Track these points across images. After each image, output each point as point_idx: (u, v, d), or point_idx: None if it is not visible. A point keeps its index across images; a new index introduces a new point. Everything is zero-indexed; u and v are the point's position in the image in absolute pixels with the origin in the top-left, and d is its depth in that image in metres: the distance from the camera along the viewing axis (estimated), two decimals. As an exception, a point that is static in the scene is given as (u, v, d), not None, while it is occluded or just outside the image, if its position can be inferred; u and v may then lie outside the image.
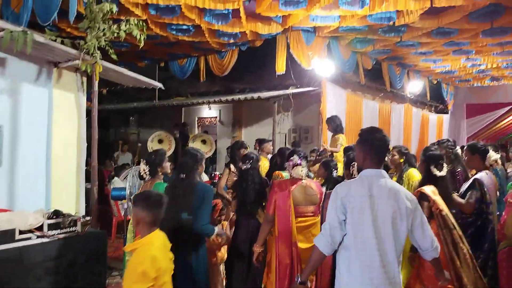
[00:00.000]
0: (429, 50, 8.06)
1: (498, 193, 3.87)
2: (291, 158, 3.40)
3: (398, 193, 2.14)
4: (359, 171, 2.37)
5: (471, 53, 8.25)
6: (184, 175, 3.03)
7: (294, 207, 3.30)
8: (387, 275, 2.09)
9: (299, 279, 2.30)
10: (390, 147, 4.76)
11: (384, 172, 2.21)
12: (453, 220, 3.11)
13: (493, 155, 3.90)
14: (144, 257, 2.25)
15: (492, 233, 3.41)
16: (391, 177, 4.23)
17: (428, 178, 3.28)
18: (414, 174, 4.23)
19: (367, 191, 2.14)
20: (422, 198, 3.15)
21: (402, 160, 4.49)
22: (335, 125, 6.01)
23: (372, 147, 2.21)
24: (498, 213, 3.61)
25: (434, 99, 12.43)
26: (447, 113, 13.20)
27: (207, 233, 3.05)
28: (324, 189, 3.56)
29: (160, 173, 3.55)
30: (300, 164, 3.34)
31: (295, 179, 3.40)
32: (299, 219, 3.32)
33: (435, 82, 11.77)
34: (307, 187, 3.39)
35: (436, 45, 7.61)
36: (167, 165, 3.61)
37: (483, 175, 3.53)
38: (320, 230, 2.29)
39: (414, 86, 10.47)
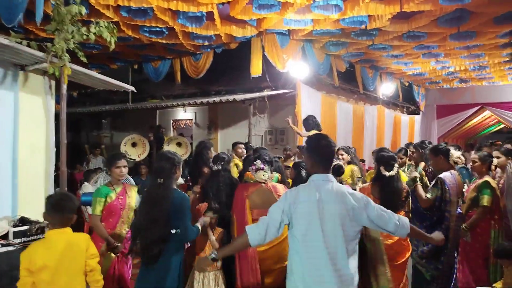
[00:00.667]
0: (401, 53, 8.27)
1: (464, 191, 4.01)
2: (255, 162, 3.49)
3: (345, 195, 2.21)
4: (307, 176, 2.43)
5: (440, 56, 8.53)
6: (162, 180, 2.88)
7: (252, 210, 3.38)
8: (340, 277, 2.15)
9: (213, 254, 2.36)
10: (367, 146, 5.04)
11: (331, 176, 2.29)
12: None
13: (455, 153, 4.07)
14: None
15: (447, 230, 3.56)
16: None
17: (377, 177, 3.44)
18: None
19: (315, 195, 2.20)
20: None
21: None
22: (308, 125, 6.10)
23: (318, 154, 2.31)
24: (460, 211, 3.74)
25: (406, 101, 12.77)
26: (419, 114, 13.58)
27: (193, 238, 3.04)
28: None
29: (112, 177, 3.48)
30: (262, 169, 3.44)
31: (256, 183, 3.48)
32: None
33: (406, 84, 12.10)
34: (266, 191, 3.44)
35: (407, 48, 7.82)
36: (117, 171, 3.42)
37: (447, 175, 3.69)
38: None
39: (387, 88, 10.72)
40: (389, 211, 2.29)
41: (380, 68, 9.98)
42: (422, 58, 8.71)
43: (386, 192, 3.31)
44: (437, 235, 2.55)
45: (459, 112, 13.16)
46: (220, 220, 3.64)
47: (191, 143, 9.26)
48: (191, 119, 10.51)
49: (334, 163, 3.53)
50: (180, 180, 6.35)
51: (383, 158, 3.40)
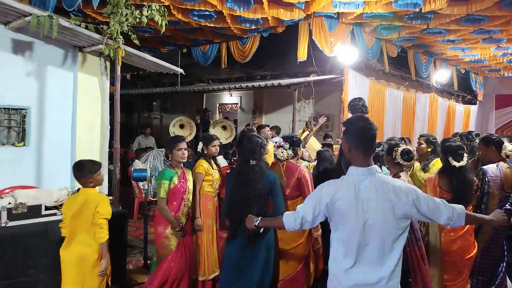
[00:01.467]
0: (458, 38, 7.79)
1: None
2: (276, 140, 3.50)
3: (388, 191, 1.98)
4: (347, 164, 2.24)
5: (502, 42, 7.92)
6: (255, 162, 3.04)
7: None
8: (369, 278, 1.99)
9: (257, 222, 2.39)
10: (417, 136, 4.73)
11: (373, 168, 2.03)
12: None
13: (509, 146, 3.81)
14: None
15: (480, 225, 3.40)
16: (412, 166, 4.23)
17: (445, 169, 3.26)
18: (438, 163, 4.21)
19: (353, 194, 2.00)
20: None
21: (429, 150, 4.44)
22: (353, 107, 5.79)
23: (356, 138, 2.04)
24: (508, 207, 3.52)
25: (462, 89, 12.05)
26: (475, 103, 12.78)
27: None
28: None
29: (173, 160, 3.49)
30: (282, 146, 3.44)
31: (276, 161, 3.55)
32: None
33: (463, 71, 11.39)
34: (279, 169, 3.46)
35: (464, 33, 7.34)
36: (179, 153, 3.46)
37: (491, 166, 3.52)
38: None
39: (441, 75, 10.16)
40: (441, 201, 2.03)
41: (435, 54, 9.46)
42: (481, 44, 8.14)
43: (458, 184, 3.16)
44: (497, 215, 2.17)
45: (521, 102, 12.25)
46: None
47: (236, 127, 9.42)
48: (237, 103, 10.64)
49: (404, 147, 3.36)
50: (224, 162, 6.52)
51: (450, 148, 3.24)
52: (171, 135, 7.83)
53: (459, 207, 2.03)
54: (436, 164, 4.23)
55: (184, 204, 3.49)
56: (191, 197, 3.56)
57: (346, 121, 2.19)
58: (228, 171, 3.52)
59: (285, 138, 3.50)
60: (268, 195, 3.04)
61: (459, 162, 3.17)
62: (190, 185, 3.56)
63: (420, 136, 4.77)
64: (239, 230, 2.98)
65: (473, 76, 11.90)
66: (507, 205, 3.47)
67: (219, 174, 3.95)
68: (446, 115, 10.91)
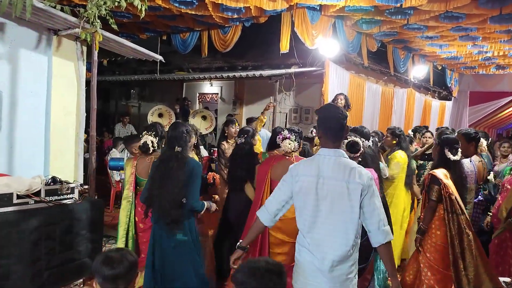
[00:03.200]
0: (436, 35, 7.93)
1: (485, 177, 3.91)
2: (282, 132, 3.44)
3: (350, 171, 2.06)
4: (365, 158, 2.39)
5: (478, 40, 8.13)
6: (180, 149, 2.99)
7: (272, 181, 3.33)
8: (323, 260, 2.06)
9: (240, 244, 2.33)
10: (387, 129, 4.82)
11: (340, 151, 2.13)
12: (462, 205, 3.12)
13: (484, 142, 3.94)
14: None
15: None
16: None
17: (441, 162, 3.25)
18: (397, 156, 4.40)
19: (315, 171, 2.10)
20: (433, 181, 3.18)
21: (394, 142, 4.54)
22: (347, 102, 6.02)
23: (327, 125, 2.16)
24: (480, 198, 3.66)
25: (438, 85, 12.33)
26: (450, 99, 13.12)
27: (197, 209, 3.09)
28: None
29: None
30: (289, 138, 3.36)
31: (282, 156, 3.46)
32: None
33: (439, 67, 11.65)
34: (288, 162, 3.36)
35: (443, 30, 7.48)
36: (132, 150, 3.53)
37: (465, 161, 3.59)
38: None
39: (419, 71, 10.36)
40: (382, 211, 2.08)
41: (413, 49, 9.62)
42: (458, 41, 8.33)
43: (458, 177, 3.16)
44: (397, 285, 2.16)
45: (494, 100, 12.62)
46: (236, 186, 3.73)
47: (216, 118, 9.34)
48: (217, 93, 10.55)
49: (350, 139, 3.35)
50: (205, 152, 6.46)
51: (448, 140, 3.21)
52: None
53: (388, 230, 2.09)
54: (393, 155, 4.36)
55: None
56: None
57: (318, 109, 2.28)
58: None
59: (289, 130, 3.44)
60: (186, 183, 2.93)
61: (454, 155, 3.16)
62: None
63: (387, 129, 4.85)
64: (157, 219, 2.97)
65: (449, 72, 12.19)
66: (479, 196, 3.59)
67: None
68: (422, 110, 11.17)
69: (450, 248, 3.04)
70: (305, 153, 3.89)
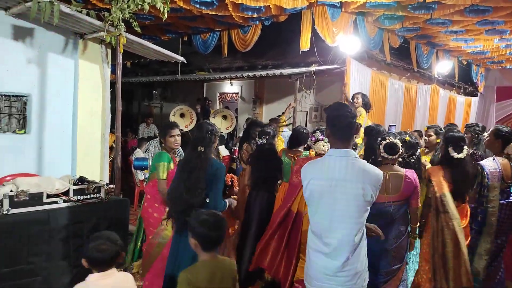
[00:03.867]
0: (461, 29, 7.72)
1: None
2: (314, 133, 3.44)
3: (363, 173, 2.06)
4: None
5: (506, 33, 7.86)
6: (203, 149, 2.96)
7: None
8: (337, 262, 2.05)
9: None
10: (425, 127, 4.68)
11: (350, 151, 2.09)
12: (446, 204, 3.15)
13: None
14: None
15: (483, 213, 3.43)
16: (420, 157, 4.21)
17: (444, 159, 3.24)
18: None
19: (328, 173, 2.06)
20: (429, 179, 3.26)
21: (438, 141, 4.41)
22: (363, 101, 5.88)
23: (334, 124, 2.11)
24: (504, 201, 3.53)
25: (463, 81, 12.00)
26: (476, 95, 12.74)
27: (220, 209, 3.08)
28: None
29: (166, 147, 3.50)
30: (322, 140, 3.37)
31: (315, 157, 3.39)
32: None
33: (465, 63, 11.32)
34: None
35: (468, 24, 7.27)
36: (171, 140, 3.50)
37: (488, 160, 3.49)
38: None
39: (443, 67, 10.10)
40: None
41: (437, 45, 9.39)
42: (484, 35, 8.07)
43: (457, 176, 3.15)
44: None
45: (523, 95, 12.21)
46: (258, 187, 3.73)
47: (236, 117, 9.39)
48: (237, 93, 10.59)
49: (388, 140, 3.35)
50: (225, 152, 6.51)
51: (452, 138, 3.19)
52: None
53: None
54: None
55: None
56: None
57: (327, 108, 2.24)
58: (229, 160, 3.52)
59: (321, 131, 3.44)
60: (209, 183, 2.88)
61: (458, 154, 3.13)
62: None
63: (428, 128, 4.67)
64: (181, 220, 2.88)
65: (475, 68, 11.83)
66: (510, 197, 3.47)
67: None
68: (447, 106, 10.88)
69: (431, 241, 3.23)
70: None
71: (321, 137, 3.38)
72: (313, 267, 2.14)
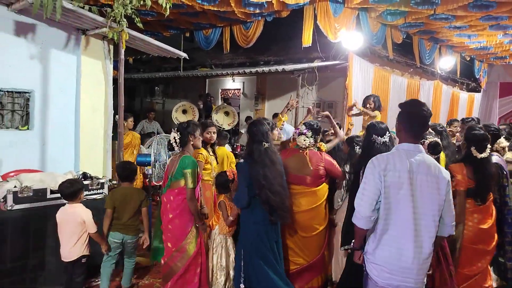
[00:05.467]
0: (464, 25, 7.66)
1: None
2: (299, 127, 3.45)
3: (436, 167, 2.15)
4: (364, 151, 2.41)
5: (509, 29, 7.80)
6: (268, 144, 3.04)
7: (287, 174, 3.24)
8: (419, 254, 2.10)
9: (351, 246, 2.40)
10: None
11: (421, 147, 2.19)
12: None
13: (503, 142, 3.70)
14: None
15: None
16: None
17: (467, 158, 3.15)
18: None
19: (406, 165, 2.12)
20: (452, 174, 3.16)
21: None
22: (377, 104, 5.68)
23: (411, 121, 2.18)
24: None
25: (465, 77, 11.94)
26: (479, 91, 12.68)
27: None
28: (347, 166, 3.59)
29: (191, 144, 3.20)
30: (305, 134, 3.37)
31: (295, 149, 3.46)
32: (291, 185, 3.31)
33: (468, 58, 11.26)
34: (301, 156, 3.39)
35: (472, 19, 7.22)
36: (200, 138, 3.28)
37: (498, 159, 3.42)
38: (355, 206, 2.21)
39: (446, 63, 10.05)
40: (450, 210, 2.20)
41: (440, 40, 9.34)
42: (488, 30, 8.02)
43: (479, 175, 3.08)
44: None
45: (526, 91, 12.14)
46: None
47: (238, 113, 9.38)
48: (239, 89, 10.58)
49: (431, 140, 3.29)
50: (228, 148, 6.50)
51: (475, 137, 3.11)
52: (174, 121, 7.82)
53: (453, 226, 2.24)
54: None
55: (201, 195, 3.40)
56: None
57: (402, 104, 2.29)
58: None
59: (307, 126, 3.43)
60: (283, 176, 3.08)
61: (481, 153, 3.06)
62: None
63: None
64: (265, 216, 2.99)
65: (477, 63, 11.77)
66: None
67: (216, 162, 3.94)
68: (450, 102, 10.84)
69: None
70: (335, 149, 3.87)
71: (304, 131, 3.40)
72: (385, 260, 2.16)
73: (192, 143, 3.18)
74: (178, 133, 3.15)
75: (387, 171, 2.11)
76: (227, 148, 5.62)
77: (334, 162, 3.45)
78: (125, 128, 5.30)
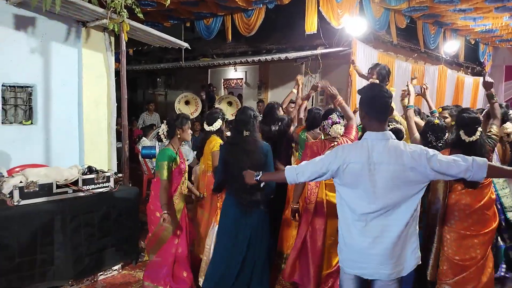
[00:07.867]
0: (469, 7, 7.52)
1: None
2: (330, 116, 3.21)
3: (402, 154, 2.01)
4: (363, 130, 2.30)
5: (516, 10, 7.67)
6: (249, 132, 3.01)
7: None
8: (387, 244, 2.05)
9: (258, 176, 2.47)
10: (439, 108, 4.43)
11: (388, 133, 2.07)
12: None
13: (509, 127, 3.55)
14: None
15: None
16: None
17: (456, 142, 3.02)
18: None
19: (366, 156, 2.04)
20: None
21: (453, 123, 4.21)
22: (380, 74, 5.12)
23: (370, 105, 2.09)
24: None
25: (470, 60, 11.78)
26: (484, 75, 12.52)
27: (272, 189, 3.09)
28: None
29: (178, 137, 3.27)
30: (339, 123, 3.20)
31: (329, 141, 3.24)
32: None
33: (472, 42, 11.10)
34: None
35: (477, 2, 7.08)
36: (188, 132, 3.34)
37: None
38: None
39: (450, 47, 9.92)
40: (459, 156, 2.01)
41: (445, 24, 9.19)
42: (494, 13, 7.87)
43: None
44: None
45: (532, 73, 11.98)
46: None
47: (241, 103, 9.33)
48: (242, 78, 10.50)
49: (393, 126, 3.20)
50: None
51: (463, 120, 2.98)
52: (177, 112, 7.78)
53: (481, 159, 1.99)
54: None
55: (182, 184, 3.37)
56: (186, 175, 3.46)
57: (360, 89, 2.19)
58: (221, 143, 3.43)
59: (338, 114, 3.25)
60: (264, 166, 2.97)
61: (470, 136, 2.92)
62: (186, 165, 3.47)
63: (442, 109, 4.23)
64: (237, 201, 3.01)
65: (482, 47, 11.60)
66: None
67: None
68: (454, 87, 10.72)
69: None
70: None
71: (337, 120, 3.20)
72: (351, 247, 2.14)
73: (179, 136, 3.28)
74: (167, 125, 3.29)
75: (347, 163, 2.07)
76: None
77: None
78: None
